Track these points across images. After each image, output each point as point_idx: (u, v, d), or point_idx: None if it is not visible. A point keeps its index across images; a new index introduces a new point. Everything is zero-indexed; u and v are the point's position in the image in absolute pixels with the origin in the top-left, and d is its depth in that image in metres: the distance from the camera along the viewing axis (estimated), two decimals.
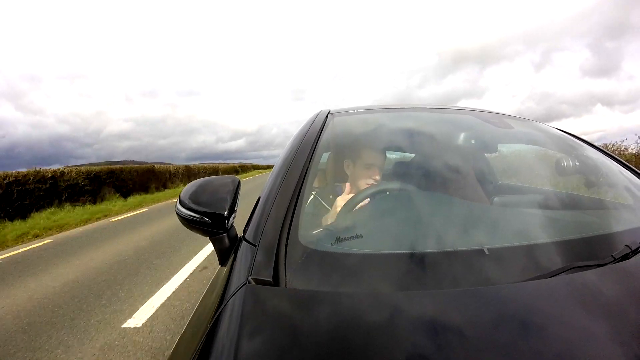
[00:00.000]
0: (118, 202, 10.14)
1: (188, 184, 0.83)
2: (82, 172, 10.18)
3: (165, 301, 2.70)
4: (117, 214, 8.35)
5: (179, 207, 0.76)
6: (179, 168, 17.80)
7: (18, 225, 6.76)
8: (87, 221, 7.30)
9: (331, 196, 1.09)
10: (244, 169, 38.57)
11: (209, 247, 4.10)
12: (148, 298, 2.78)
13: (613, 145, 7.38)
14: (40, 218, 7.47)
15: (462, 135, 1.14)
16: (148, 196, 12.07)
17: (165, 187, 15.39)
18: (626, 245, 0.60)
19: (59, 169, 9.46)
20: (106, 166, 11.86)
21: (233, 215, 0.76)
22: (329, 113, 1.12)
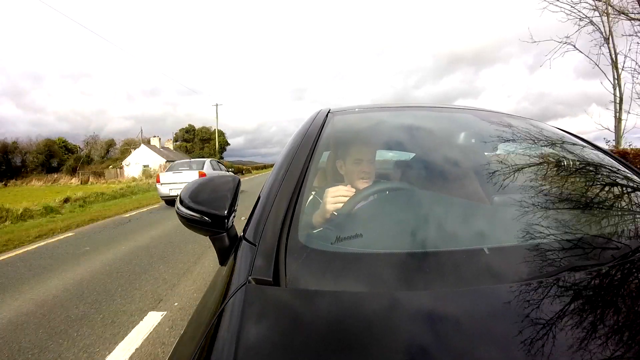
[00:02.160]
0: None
1: (188, 183, 0.82)
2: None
3: None
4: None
5: (179, 206, 0.76)
6: None
7: None
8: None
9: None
10: None
11: None
12: None
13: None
14: None
15: (462, 134, 1.13)
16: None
17: None
18: (626, 245, 0.60)
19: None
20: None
21: (233, 215, 0.76)
22: (329, 112, 1.11)
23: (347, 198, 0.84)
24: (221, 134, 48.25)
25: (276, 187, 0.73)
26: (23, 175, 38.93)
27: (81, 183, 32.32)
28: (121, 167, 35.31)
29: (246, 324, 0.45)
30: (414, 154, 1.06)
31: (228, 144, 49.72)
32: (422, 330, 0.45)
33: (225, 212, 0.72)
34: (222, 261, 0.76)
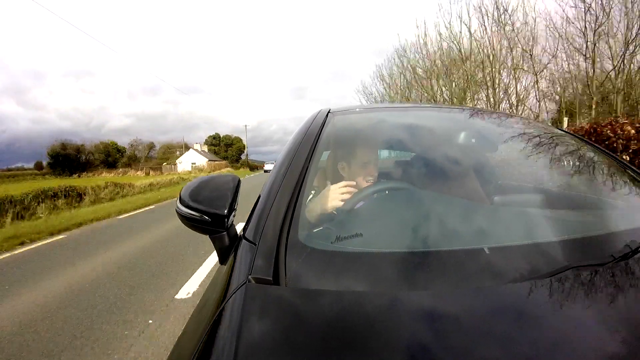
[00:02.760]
0: None
1: (188, 182, 0.82)
2: None
3: None
4: None
5: (179, 205, 0.76)
6: None
7: None
8: None
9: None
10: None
11: None
12: None
13: None
14: None
15: (462, 134, 1.13)
16: None
17: None
18: (626, 245, 0.60)
19: None
20: None
21: (233, 214, 0.75)
22: (329, 112, 1.12)
23: (351, 195, 0.84)
24: (240, 140, 61.62)
25: (276, 186, 0.74)
26: (89, 170, 51.18)
27: (145, 174, 44.84)
28: (175, 164, 47.89)
29: (246, 323, 0.45)
30: (414, 154, 1.08)
31: (242, 145, 63.06)
32: (422, 329, 0.45)
33: (225, 211, 0.72)
34: (222, 260, 0.76)
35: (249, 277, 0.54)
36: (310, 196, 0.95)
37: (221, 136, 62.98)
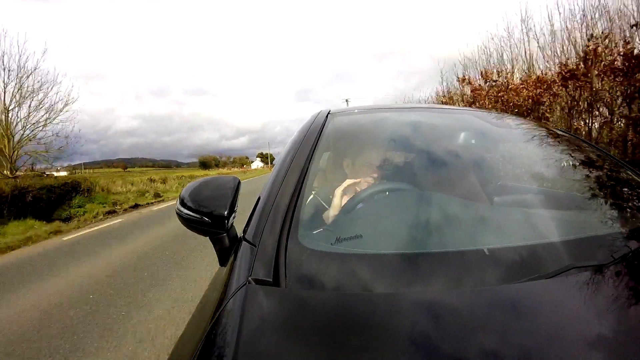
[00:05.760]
0: None
1: (188, 184, 0.83)
2: None
3: None
4: None
5: (179, 207, 0.76)
6: None
7: None
8: None
9: (331, 196, 1.06)
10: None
11: None
12: None
13: None
14: None
15: (462, 135, 1.15)
16: None
17: None
18: (626, 245, 0.61)
19: None
20: None
21: (233, 216, 0.76)
22: (329, 113, 1.13)
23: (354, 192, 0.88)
24: (272, 154, 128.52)
25: (276, 187, 0.74)
26: (211, 168, 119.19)
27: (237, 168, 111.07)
28: (250, 166, 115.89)
29: (246, 324, 0.46)
30: (413, 155, 1.09)
31: (274, 157, 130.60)
32: (423, 330, 0.45)
33: (226, 212, 0.73)
34: (222, 262, 0.77)
35: (249, 278, 0.54)
36: (311, 197, 0.97)
37: (263, 153, 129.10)
